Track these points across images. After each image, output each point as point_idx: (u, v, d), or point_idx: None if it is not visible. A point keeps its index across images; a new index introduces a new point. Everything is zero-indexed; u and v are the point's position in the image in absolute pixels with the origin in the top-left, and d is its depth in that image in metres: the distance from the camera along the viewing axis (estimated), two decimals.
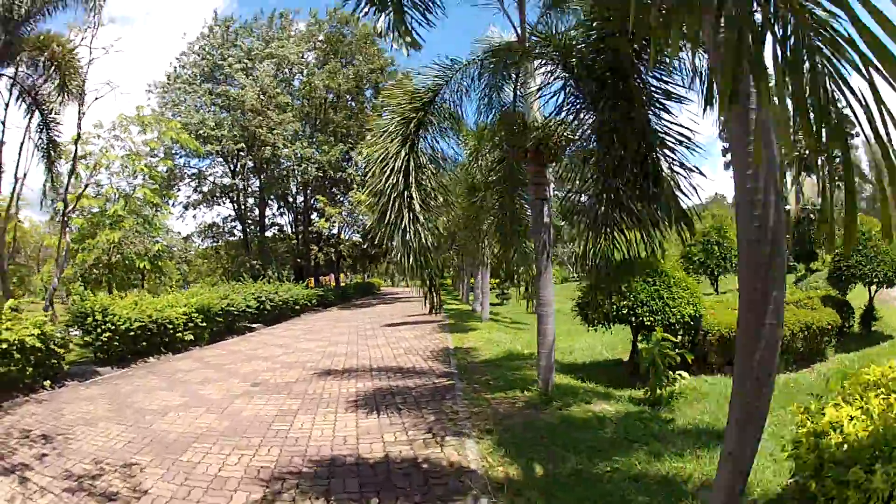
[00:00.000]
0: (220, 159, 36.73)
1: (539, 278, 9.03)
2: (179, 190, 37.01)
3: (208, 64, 34.57)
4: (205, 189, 37.66)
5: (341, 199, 38.16)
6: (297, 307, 27.06)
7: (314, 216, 38.47)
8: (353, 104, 39.53)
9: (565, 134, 8.56)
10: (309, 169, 34.09)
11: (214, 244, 40.66)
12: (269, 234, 42.27)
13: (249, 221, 40.10)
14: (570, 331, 15.58)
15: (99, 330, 12.73)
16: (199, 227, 39.44)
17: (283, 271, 34.60)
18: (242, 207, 38.77)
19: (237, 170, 37.15)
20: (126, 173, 20.95)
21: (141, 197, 20.87)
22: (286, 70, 36.57)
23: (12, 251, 21.04)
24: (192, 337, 15.57)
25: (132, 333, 13.28)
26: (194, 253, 38.83)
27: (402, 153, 7.88)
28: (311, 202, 38.54)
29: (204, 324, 16.26)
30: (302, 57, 37.27)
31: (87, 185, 16.78)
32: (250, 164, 36.18)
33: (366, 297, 47.29)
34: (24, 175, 14.83)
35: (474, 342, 15.01)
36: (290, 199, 41.81)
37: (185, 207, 37.48)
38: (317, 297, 31.36)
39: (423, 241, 7.72)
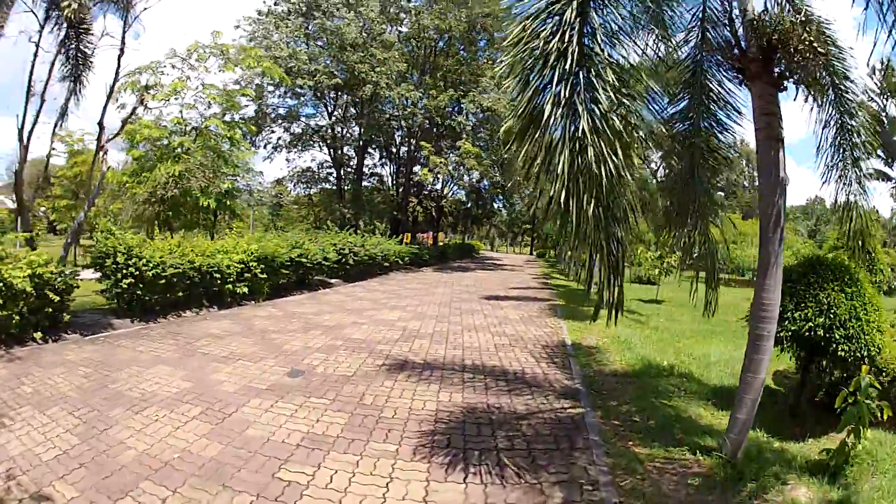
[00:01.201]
0: (315, 99, 34.27)
1: (766, 272, 5.03)
2: (273, 131, 35.20)
3: (305, 1, 31.79)
4: (297, 130, 35.50)
5: (448, 152, 34.66)
6: (387, 264, 24.21)
7: (417, 169, 35.41)
8: (465, 53, 35.63)
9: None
10: (415, 114, 30.92)
11: (308, 190, 38.73)
12: (367, 184, 40.04)
13: (349, 169, 37.74)
14: (687, 331, 12.53)
15: (119, 275, 10.24)
16: (293, 171, 37.53)
17: (380, 224, 32.00)
18: (339, 153, 36.23)
19: (334, 112, 34.77)
20: (201, 105, 18.76)
21: (214, 129, 18.59)
22: (392, 10, 33.16)
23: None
24: (246, 290, 12.93)
25: (163, 281, 10.73)
26: (284, 197, 37.30)
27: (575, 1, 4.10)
28: (415, 153, 35.33)
29: (264, 276, 13.57)
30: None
31: (134, 110, 14.30)
32: (351, 109, 33.57)
33: (464, 260, 44.37)
34: (67, 101, 12.46)
35: (597, 337, 11.20)
36: (394, 150, 39.07)
37: (275, 148, 35.43)
38: (410, 255, 28.43)
39: (615, 169, 3.92)
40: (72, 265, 10.54)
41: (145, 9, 12.49)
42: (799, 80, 5.49)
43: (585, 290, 21.11)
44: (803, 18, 5.03)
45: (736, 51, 5.49)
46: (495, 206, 48.96)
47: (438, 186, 38.50)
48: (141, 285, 10.44)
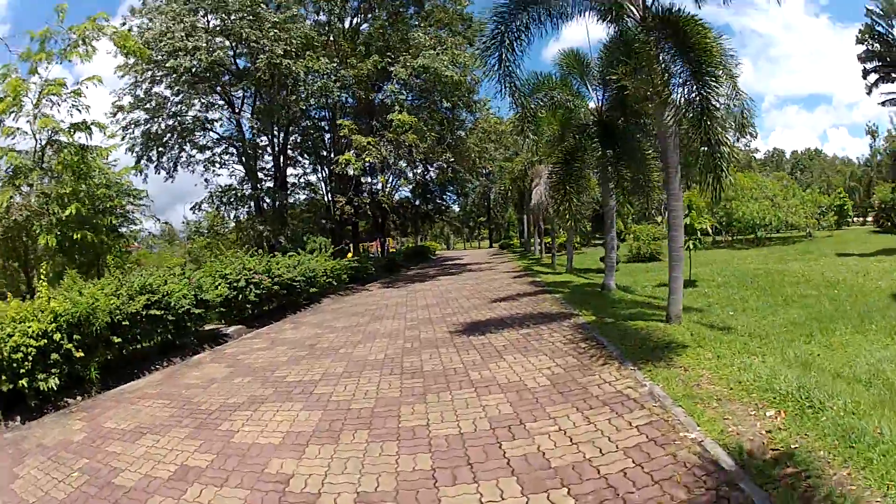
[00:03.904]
0: (213, 94, 29.32)
1: None
2: (183, 148, 30.69)
3: None
4: (203, 141, 30.97)
5: (381, 132, 29.10)
6: (314, 290, 18.95)
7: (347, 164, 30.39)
8: (391, 30, 30.34)
9: None
10: (331, 88, 26.16)
11: (230, 212, 33.16)
12: (302, 197, 35.89)
13: (269, 180, 32.55)
14: (791, 328, 9.71)
15: None
16: (213, 191, 31.89)
17: (313, 239, 26.95)
18: (253, 162, 30.87)
19: (241, 110, 30.23)
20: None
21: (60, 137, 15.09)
22: None
23: None
24: (54, 384, 7.89)
25: None
26: (214, 223, 32.72)
27: None
28: (341, 141, 30.07)
29: (80, 354, 8.40)
30: None
31: None
32: (257, 101, 28.94)
33: (420, 266, 39.93)
34: None
35: (742, 414, 5.33)
36: (325, 153, 34.02)
37: (174, 165, 30.50)
38: (348, 272, 23.53)
39: None
40: None
41: None
42: None
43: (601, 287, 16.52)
44: None
45: None
46: (445, 198, 44.98)
47: (378, 186, 33.75)
48: None
